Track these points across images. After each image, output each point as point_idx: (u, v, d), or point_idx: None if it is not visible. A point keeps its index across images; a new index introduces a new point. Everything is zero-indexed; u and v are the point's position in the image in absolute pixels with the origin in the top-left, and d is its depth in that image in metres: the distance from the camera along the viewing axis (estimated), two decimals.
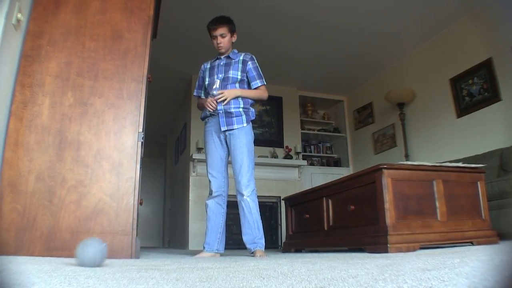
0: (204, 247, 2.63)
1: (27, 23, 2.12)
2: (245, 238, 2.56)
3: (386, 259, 1.44)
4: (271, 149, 6.04)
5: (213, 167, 2.66)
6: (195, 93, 2.93)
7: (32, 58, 2.08)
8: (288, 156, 6.04)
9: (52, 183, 1.96)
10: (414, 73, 5.36)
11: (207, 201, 2.69)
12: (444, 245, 2.35)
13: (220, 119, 2.62)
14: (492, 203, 2.74)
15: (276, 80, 6.27)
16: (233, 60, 2.74)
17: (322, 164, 6.82)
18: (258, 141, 6.08)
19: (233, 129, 2.62)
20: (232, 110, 2.62)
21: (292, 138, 6.29)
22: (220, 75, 2.70)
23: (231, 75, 2.68)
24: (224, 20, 2.72)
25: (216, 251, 2.61)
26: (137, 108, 2.21)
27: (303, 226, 3.24)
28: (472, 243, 2.34)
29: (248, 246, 2.55)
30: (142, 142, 2.20)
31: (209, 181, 2.67)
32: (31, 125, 1.99)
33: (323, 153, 6.94)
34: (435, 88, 4.96)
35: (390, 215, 2.16)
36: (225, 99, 2.59)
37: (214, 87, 2.66)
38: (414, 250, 2.09)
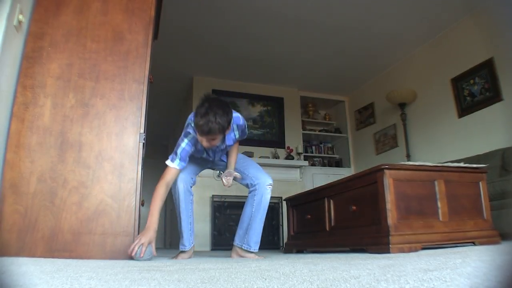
0: (185, 246, 2.44)
1: (28, 24, 2.12)
2: (252, 235, 2.47)
3: (388, 260, 1.44)
4: (272, 149, 6.04)
5: (186, 167, 2.43)
6: (178, 166, 2.25)
7: (33, 59, 2.08)
8: (289, 157, 6.04)
9: (53, 184, 1.96)
10: (415, 73, 5.36)
11: (177, 183, 2.37)
12: (446, 245, 2.35)
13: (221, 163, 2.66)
14: (493, 203, 2.74)
15: (277, 80, 6.29)
16: (228, 142, 2.43)
17: (324, 165, 6.82)
18: (260, 142, 6.13)
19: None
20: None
21: (294, 138, 6.29)
22: (216, 158, 2.56)
23: (228, 149, 2.57)
24: (221, 127, 2.10)
25: (192, 244, 2.48)
26: (138, 109, 2.21)
27: (305, 226, 3.24)
28: (474, 243, 2.34)
29: (252, 245, 2.47)
30: (143, 143, 2.20)
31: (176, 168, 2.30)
32: (32, 127, 2.00)
33: (324, 153, 6.94)
34: (436, 88, 4.95)
35: (391, 216, 2.16)
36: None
37: (227, 179, 2.51)
38: (416, 250, 2.09)
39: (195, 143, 2.28)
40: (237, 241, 2.54)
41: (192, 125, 2.23)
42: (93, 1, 2.28)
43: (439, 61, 4.96)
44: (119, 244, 1.99)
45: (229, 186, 2.56)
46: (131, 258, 1.87)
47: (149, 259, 1.91)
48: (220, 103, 2.13)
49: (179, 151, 2.25)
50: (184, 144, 2.26)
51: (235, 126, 2.37)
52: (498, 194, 2.97)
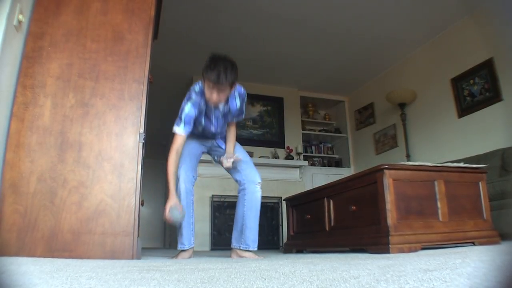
0: (183, 244, 2.45)
1: (28, 24, 2.12)
2: (248, 234, 2.47)
3: (387, 260, 1.44)
4: (272, 149, 6.04)
5: (186, 161, 2.54)
6: (184, 132, 2.33)
7: (33, 59, 2.08)
8: (289, 157, 6.05)
9: (53, 184, 1.96)
10: (415, 73, 5.36)
11: (179, 184, 2.45)
12: (446, 246, 2.35)
13: (217, 141, 2.67)
14: (493, 203, 2.74)
15: (277, 80, 6.29)
16: (231, 109, 2.49)
17: (323, 165, 6.82)
18: (259, 142, 6.13)
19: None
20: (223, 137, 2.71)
21: (293, 138, 6.30)
22: (218, 129, 2.55)
23: (228, 121, 2.60)
24: (229, 78, 2.22)
25: (193, 245, 2.50)
26: (138, 109, 2.21)
27: (305, 226, 3.24)
28: (473, 244, 2.34)
29: (249, 244, 2.47)
30: (143, 143, 2.20)
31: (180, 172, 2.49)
32: (32, 126, 2.00)
33: (324, 153, 6.94)
34: (436, 88, 4.95)
35: (391, 216, 2.16)
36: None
37: (228, 161, 2.55)
38: (415, 250, 2.09)
39: (198, 106, 2.36)
40: (234, 243, 2.54)
41: (196, 90, 2.36)
42: (93, 1, 2.28)
43: (439, 61, 4.96)
44: (119, 244, 1.99)
45: (229, 168, 2.59)
46: (170, 224, 2.27)
47: (181, 218, 2.25)
48: (228, 58, 2.28)
49: (183, 116, 2.34)
50: (187, 109, 2.34)
51: (236, 94, 2.47)
52: (498, 194, 2.97)
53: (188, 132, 2.36)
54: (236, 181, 2.64)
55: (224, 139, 2.68)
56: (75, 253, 1.89)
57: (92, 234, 1.95)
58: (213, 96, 2.25)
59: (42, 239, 1.87)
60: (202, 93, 2.34)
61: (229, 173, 2.67)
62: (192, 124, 2.37)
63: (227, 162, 2.54)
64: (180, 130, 2.33)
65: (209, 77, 2.20)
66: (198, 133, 2.55)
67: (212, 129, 2.53)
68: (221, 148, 2.68)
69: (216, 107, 2.40)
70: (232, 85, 2.29)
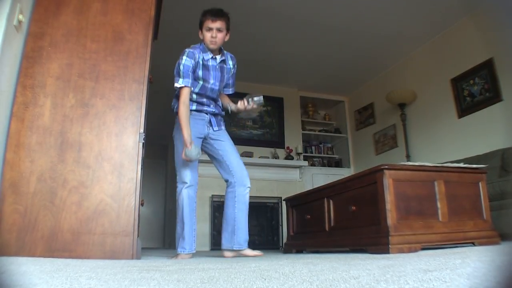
0: (185, 248, 2.45)
1: (28, 24, 2.12)
2: (240, 234, 2.49)
3: (387, 260, 1.44)
4: (272, 149, 6.04)
5: (189, 166, 2.56)
6: (187, 83, 2.43)
7: (33, 59, 2.08)
8: (289, 157, 6.05)
9: (53, 184, 1.96)
10: (415, 73, 5.36)
11: (182, 190, 2.51)
12: (446, 246, 2.35)
13: (211, 120, 2.64)
14: (493, 203, 2.73)
15: (277, 80, 6.28)
16: (226, 66, 2.64)
17: (323, 165, 6.81)
18: (259, 142, 6.13)
19: (221, 129, 2.70)
20: (219, 112, 2.73)
21: (293, 138, 6.29)
22: (217, 83, 2.59)
23: (223, 84, 2.67)
24: (224, 14, 2.49)
25: (194, 251, 2.50)
26: (138, 109, 2.21)
27: (304, 226, 3.24)
28: (473, 244, 2.34)
29: (242, 243, 2.49)
30: (143, 143, 2.20)
31: (185, 174, 2.55)
32: (32, 126, 2.00)
33: (324, 153, 6.94)
34: (436, 88, 4.95)
35: (391, 216, 2.16)
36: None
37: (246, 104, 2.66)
38: (415, 250, 2.09)
39: (193, 56, 2.47)
40: (225, 244, 2.53)
41: (190, 46, 2.53)
42: (93, 1, 2.28)
43: (439, 61, 4.96)
44: (118, 244, 1.99)
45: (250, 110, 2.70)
46: (189, 160, 2.41)
47: (196, 154, 2.37)
48: None
49: (181, 69, 2.44)
50: (184, 60, 2.46)
51: (229, 56, 2.67)
52: (498, 194, 2.97)
53: (189, 83, 2.44)
54: (226, 181, 2.63)
55: (220, 121, 2.71)
56: (75, 253, 1.89)
57: (92, 234, 1.95)
58: (213, 33, 2.44)
59: (42, 239, 1.87)
60: (195, 47, 2.52)
61: (218, 171, 2.67)
62: (191, 76, 2.45)
63: (247, 104, 2.63)
64: (181, 84, 2.43)
65: (206, 16, 2.45)
66: (196, 92, 2.54)
67: (211, 80, 2.55)
68: (216, 132, 2.65)
69: (212, 50, 2.51)
70: (227, 25, 2.49)
